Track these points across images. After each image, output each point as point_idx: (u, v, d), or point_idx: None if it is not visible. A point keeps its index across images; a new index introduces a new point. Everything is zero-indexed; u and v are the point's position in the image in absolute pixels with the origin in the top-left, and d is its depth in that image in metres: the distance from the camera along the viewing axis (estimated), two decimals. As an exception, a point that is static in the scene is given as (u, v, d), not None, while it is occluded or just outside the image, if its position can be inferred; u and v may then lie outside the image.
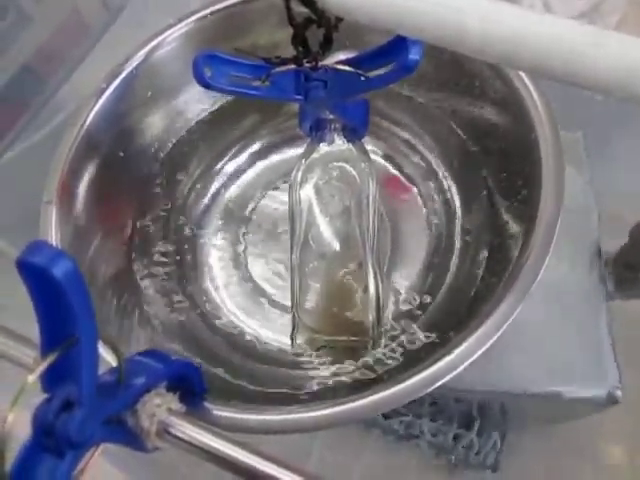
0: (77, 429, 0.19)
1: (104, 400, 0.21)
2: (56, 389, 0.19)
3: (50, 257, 0.17)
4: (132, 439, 0.22)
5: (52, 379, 0.19)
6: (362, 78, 0.29)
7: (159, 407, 0.22)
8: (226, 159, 0.43)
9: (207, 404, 0.28)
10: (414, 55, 0.26)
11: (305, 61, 0.27)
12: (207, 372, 0.33)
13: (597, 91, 0.19)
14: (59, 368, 0.19)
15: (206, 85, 0.28)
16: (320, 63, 0.28)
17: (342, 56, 0.29)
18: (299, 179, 0.36)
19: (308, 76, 0.30)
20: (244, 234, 0.41)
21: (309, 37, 0.27)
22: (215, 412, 0.28)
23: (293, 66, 0.28)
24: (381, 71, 0.28)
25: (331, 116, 0.35)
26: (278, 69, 0.29)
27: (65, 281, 0.17)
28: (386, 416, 0.42)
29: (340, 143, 0.36)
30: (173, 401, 0.23)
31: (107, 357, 0.24)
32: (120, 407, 0.21)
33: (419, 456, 0.42)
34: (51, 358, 0.18)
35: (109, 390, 0.22)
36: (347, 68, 0.28)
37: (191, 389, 0.27)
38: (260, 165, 0.43)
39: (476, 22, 0.18)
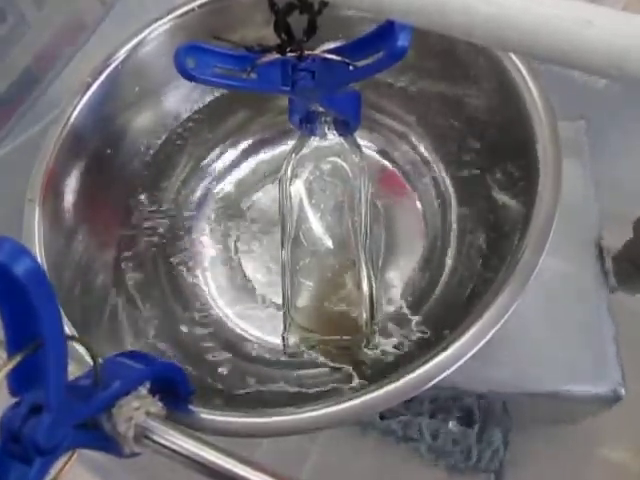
0: (45, 434, 0.18)
1: (78, 403, 0.20)
2: (25, 393, 0.18)
3: (12, 254, 0.16)
4: (109, 444, 0.21)
5: (20, 382, 0.19)
6: (350, 67, 0.28)
7: (137, 410, 0.21)
8: (216, 155, 0.42)
9: (192, 407, 0.27)
10: (402, 42, 0.25)
11: (289, 49, 0.26)
12: (193, 373, 0.32)
13: (590, 72, 0.18)
14: (27, 371, 0.18)
15: (189, 77, 0.27)
16: (307, 52, 0.27)
17: (329, 46, 0.28)
18: (289, 174, 0.35)
19: (295, 67, 0.29)
20: (236, 231, 0.40)
21: (295, 26, 0.26)
22: (201, 415, 0.27)
23: (278, 55, 0.27)
24: (369, 60, 0.27)
25: (321, 109, 0.34)
26: (263, 59, 0.28)
27: (27, 280, 0.16)
28: (383, 417, 0.41)
29: (332, 137, 0.35)
30: (152, 404, 0.22)
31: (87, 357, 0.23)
32: (95, 410, 0.21)
33: (418, 459, 0.41)
34: (13, 362, 0.17)
35: (84, 393, 0.21)
36: (335, 57, 0.28)
37: (176, 391, 0.26)
38: (252, 161, 0.42)
39: (460, 1, 0.17)
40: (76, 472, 0.21)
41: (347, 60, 0.27)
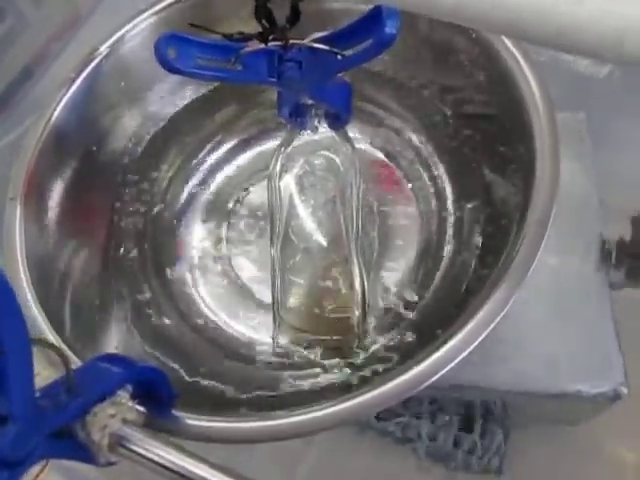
0: (11, 446, 0.17)
1: (50, 412, 0.19)
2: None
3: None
4: (84, 453, 0.20)
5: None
6: (338, 57, 0.27)
7: (112, 418, 0.20)
8: (205, 152, 0.41)
9: (176, 413, 0.26)
10: (390, 29, 0.24)
11: (272, 37, 0.25)
12: (181, 376, 0.31)
13: (584, 54, 0.17)
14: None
15: (170, 68, 0.26)
16: (292, 42, 0.26)
17: (316, 35, 0.27)
18: (278, 169, 0.34)
19: (281, 57, 0.28)
20: (226, 230, 0.39)
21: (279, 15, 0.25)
22: (186, 421, 0.26)
23: (262, 45, 0.26)
24: (357, 48, 0.26)
25: (311, 101, 0.33)
26: (247, 49, 0.27)
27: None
28: (381, 418, 0.40)
29: (322, 130, 0.34)
30: (129, 410, 0.21)
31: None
32: (69, 419, 0.20)
33: (416, 460, 0.40)
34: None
35: (57, 400, 0.20)
36: (322, 46, 0.26)
37: (159, 396, 0.25)
38: (242, 157, 0.41)
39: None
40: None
41: (334, 49, 0.26)
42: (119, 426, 0.20)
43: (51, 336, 0.28)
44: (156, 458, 0.19)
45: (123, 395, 0.22)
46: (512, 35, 0.17)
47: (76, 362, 0.26)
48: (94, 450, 0.20)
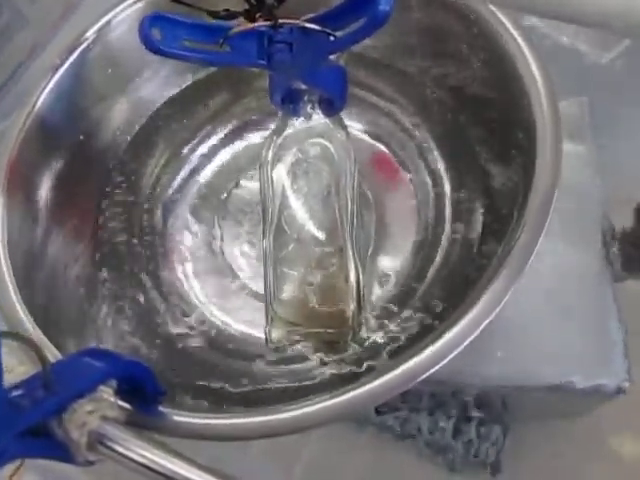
0: (-22, 445, 0.16)
1: (23, 409, 0.18)
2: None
3: None
4: (62, 452, 0.19)
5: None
6: (331, 37, 0.26)
7: (91, 414, 0.19)
8: (197, 141, 0.40)
9: (163, 409, 0.25)
10: (384, 6, 0.23)
11: (259, 15, 0.24)
12: (173, 371, 0.30)
13: (589, 24, 0.15)
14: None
15: (155, 49, 0.25)
16: (282, 21, 0.25)
17: (307, 15, 0.26)
18: (270, 158, 0.33)
19: (271, 38, 0.27)
20: (219, 221, 0.38)
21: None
22: (174, 418, 0.25)
23: (251, 25, 0.24)
24: (350, 28, 0.25)
25: (304, 87, 0.32)
26: (236, 30, 0.25)
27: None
28: (380, 412, 0.40)
29: (316, 117, 0.33)
30: (110, 407, 0.20)
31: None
32: (44, 416, 0.18)
33: (416, 455, 0.40)
34: None
35: (32, 396, 0.19)
36: (313, 26, 0.25)
37: (144, 392, 0.24)
38: (234, 147, 0.40)
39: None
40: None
41: (326, 29, 0.25)
42: (99, 423, 0.19)
43: (32, 329, 0.27)
44: (137, 457, 0.18)
45: (105, 391, 0.21)
46: (516, 7, 0.16)
47: (58, 357, 0.25)
48: (72, 449, 0.19)
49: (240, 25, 0.25)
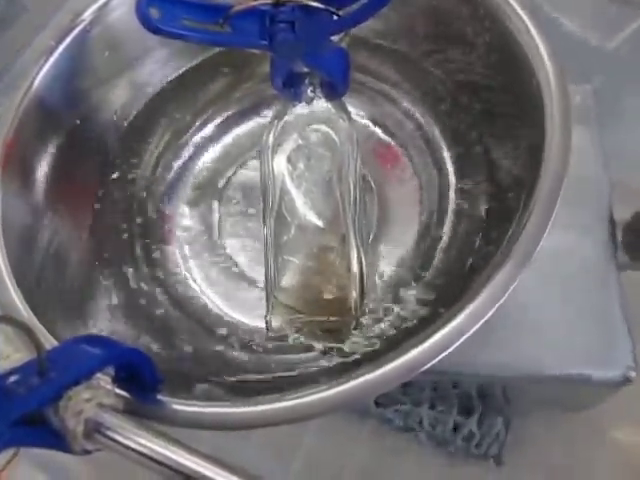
0: (-30, 433, 0.15)
1: (17, 396, 0.17)
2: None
3: None
4: (58, 441, 0.18)
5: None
6: (334, 17, 0.25)
7: (88, 402, 0.18)
8: (196, 126, 0.39)
9: (162, 398, 0.24)
10: (389, -17, 0.22)
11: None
12: (166, 357, 0.30)
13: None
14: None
15: (152, 29, 0.25)
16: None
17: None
18: (271, 143, 0.32)
19: (273, 18, 0.26)
20: (218, 208, 0.37)
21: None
22: (172, 407, 0.24)
23: (251, 3, 0.24)
24: (354, 7, 0.24)
25: (306, 70, 0.31)
26: (237, 8, 0.25)
27: None
28: (380, 404, 0.39)
29: (318, 102, 0.32)
30: (107, 395, 0.19)
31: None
32: (39, 404, 0.18)
33: (417, 448, 0.39)
34: None
35: (27, 383, 0.18)
36: (316, 4, 0.25)
37: (142, 380, 0.23)
38: (235, 132, 0.39)
39: None
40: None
41: (330, 8, 0.24)
42: (95, 411, 0.18)
43: (26, 314, 0.26)
44: (135, 445, 0.18)
45: (102, 378, 0.21)
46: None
47: (53, 344, 0.25)
48: (69, 437, 0.18)
49: (241, 3, 0.24)
